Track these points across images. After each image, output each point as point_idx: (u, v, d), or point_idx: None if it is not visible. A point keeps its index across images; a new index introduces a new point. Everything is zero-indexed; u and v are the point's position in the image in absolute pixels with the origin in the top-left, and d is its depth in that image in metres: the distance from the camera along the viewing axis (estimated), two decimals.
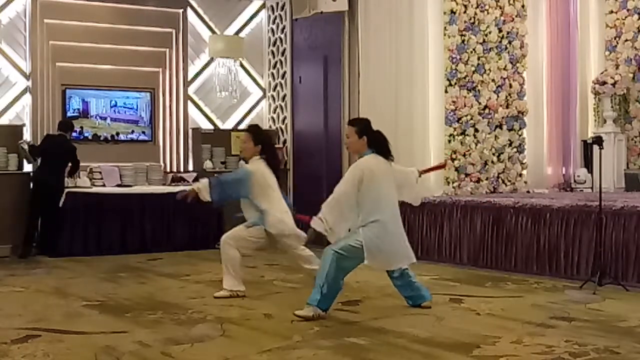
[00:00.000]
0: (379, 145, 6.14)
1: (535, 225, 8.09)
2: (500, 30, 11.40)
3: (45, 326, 5.62)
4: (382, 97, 10.39)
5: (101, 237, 9.84)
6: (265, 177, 6.90)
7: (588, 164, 11.92)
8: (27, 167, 9.99)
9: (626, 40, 12.03)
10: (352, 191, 5.94)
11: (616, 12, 12.19)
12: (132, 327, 5.61)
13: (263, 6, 11.87)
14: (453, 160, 10.99)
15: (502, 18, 11.43)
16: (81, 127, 10.44)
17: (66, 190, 9.70)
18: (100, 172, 10.30)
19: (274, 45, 11.74)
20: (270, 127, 11.68)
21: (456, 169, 11.00)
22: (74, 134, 10.30)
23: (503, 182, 11.40)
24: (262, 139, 7.05)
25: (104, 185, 10.23)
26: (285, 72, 11.52)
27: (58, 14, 10.38)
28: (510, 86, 11.51)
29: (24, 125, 10.10)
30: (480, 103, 11.19)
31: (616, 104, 11.80)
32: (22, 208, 9.69)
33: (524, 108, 11.66)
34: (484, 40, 11.25)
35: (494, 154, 11.32)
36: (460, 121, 10.99)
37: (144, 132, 10.93)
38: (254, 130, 7.19)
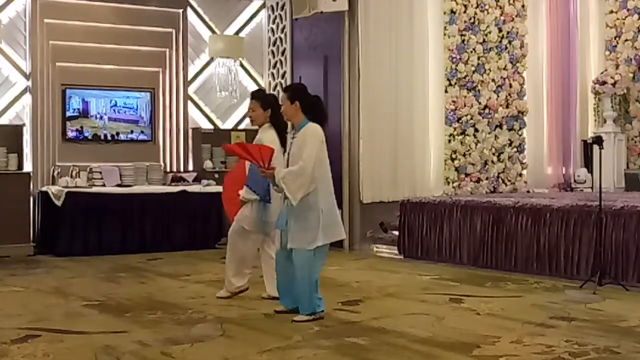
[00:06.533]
0: (316, 110, 5.69)
1: (535, 225, 8.08)
2: (500, 30, 11.42)
3: (45, 326, 5.61)
4: (382, 97, 10.40)
5: (101, 237, 9.81)
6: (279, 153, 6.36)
7: (588, 163, 11.92)
8: (27, 167, 9.98)
9: (626, 40, 12.03)
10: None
11: (616, 12, 12.20)
12: (132, 327, 5.60)
13: (263, 6, 11.86)
14: (453, 160, 11.00)
15: (502, 18, 11.45)
16: (81, 127, 10.44)
17: (66, 190, 9.70)
18: (100, 172, 10.29)
19: (274, 45, 11.73)
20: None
21: (456, 169, 11.01)
22: (73, 134, 10.32)
23: (503, 182, 11.41)
24: (269, 102, 6.69)
25: (104, 185, 10.22)
26: (285, 72, 11.50)
27: (58, 14, 10.37)
28: (510, 86, 11.53)
29: (24, 125, 10.09)
30: (480, 103, 11.20)
31: (616, 104, 11.80)
32: (22, 208, 9.68)
33: (524, 108, 11.67)
34: (484, 40, 11.26)
35: (494, 154, 11.33)
36: (460, 121, 11.00)
37: (144, 132, 10.92)
38: (260, 95, 6.85)
